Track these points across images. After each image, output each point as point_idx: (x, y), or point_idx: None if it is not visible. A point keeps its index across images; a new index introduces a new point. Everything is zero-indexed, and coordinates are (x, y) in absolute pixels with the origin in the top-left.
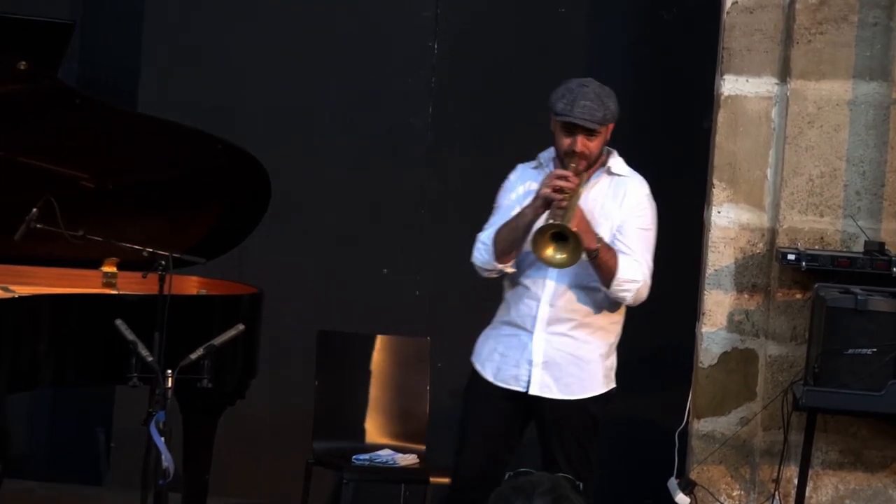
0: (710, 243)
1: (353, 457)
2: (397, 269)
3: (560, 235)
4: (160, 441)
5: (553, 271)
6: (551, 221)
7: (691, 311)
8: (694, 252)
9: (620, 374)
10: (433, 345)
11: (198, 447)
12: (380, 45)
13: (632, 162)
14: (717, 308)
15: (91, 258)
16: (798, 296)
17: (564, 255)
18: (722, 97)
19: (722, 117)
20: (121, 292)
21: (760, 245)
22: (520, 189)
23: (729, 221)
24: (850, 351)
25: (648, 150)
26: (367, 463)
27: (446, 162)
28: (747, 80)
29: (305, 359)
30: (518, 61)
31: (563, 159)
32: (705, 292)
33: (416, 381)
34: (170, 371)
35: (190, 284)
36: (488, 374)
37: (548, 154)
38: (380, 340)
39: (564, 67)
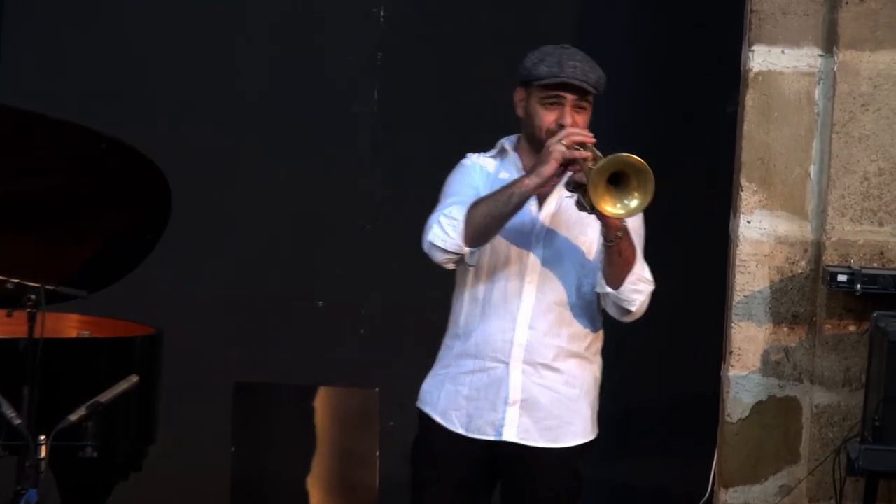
0: (737, 262)
1: None
2: (336, 301)
3: (617, 177)
4: None
5: (533, 282)
6: (614, 156)
7: (715, 350)
8: (717, 274)
9: (629, 431)
10: (383, 397)
11: None
12: (310, 12)
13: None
14: (749, 345)
15: None
16: (852, 328)
17: (639, 195)
18: (751, 74)
19: (751, 99)
20: None
21: (802, 263)
22: (477, 177)
23: (762, 234)
24: None
25: (657, 142)
26: None
27: (397, 160)
28: (783, 52)
29: (220, 418)
30: (488, 30)
31: (543, 143)
32: (733, 325)
33: (363, 444)
34: (43, 437)
35: (69, 324)
36: (457, 425)
37: (511, 140)
38: (316, 393)
39: (548, 37)
